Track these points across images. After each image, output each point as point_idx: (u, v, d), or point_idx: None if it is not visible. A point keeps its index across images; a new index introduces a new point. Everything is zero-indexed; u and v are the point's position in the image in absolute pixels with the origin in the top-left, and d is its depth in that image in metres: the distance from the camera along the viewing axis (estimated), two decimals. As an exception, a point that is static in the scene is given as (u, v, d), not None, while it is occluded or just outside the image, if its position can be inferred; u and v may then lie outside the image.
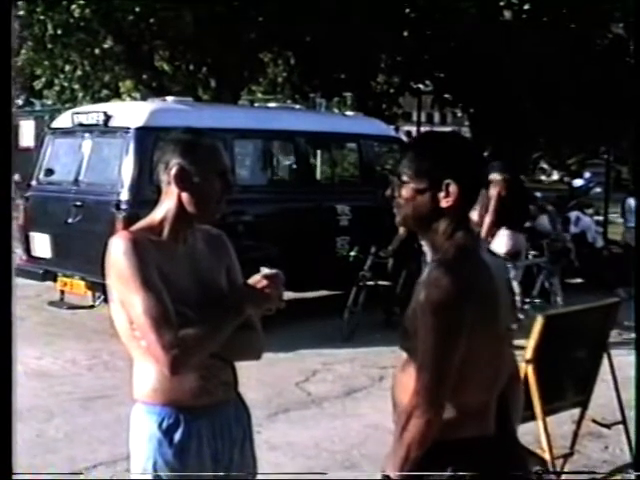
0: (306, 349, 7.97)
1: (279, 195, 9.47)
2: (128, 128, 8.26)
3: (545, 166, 39.51)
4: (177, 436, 2.49)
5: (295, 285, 7.78)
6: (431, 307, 2.15)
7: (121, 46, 18.09)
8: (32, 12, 16.82)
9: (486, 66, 17.61)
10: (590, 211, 12.55)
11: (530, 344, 4.35)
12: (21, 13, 16.57)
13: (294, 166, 10.24)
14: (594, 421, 5.10)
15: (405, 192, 2.29)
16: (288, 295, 2.68)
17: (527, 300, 8.92)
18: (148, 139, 7.80)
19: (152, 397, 2.50)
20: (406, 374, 2.25)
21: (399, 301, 8.25)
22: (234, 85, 19.78)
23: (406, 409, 2.20)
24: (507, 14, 17.74)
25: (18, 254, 8.89)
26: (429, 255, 2.32)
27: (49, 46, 17.73)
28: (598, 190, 14.83)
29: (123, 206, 7.88)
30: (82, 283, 8.16)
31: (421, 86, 22.36)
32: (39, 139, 11.33)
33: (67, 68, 19.14)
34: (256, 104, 20.34)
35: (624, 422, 4.89)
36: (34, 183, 9.24)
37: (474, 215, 6.68)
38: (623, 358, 5.12)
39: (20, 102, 24.87)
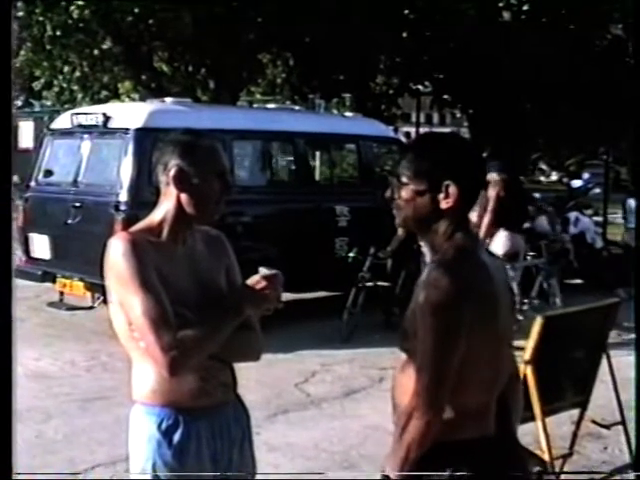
0: (305, 350, 7.96)
1: (278, 196, 9.44)
2: (127, 129, 8.25)
3: (544, 167, 39.53)
4: (176, 437, 2.49)
5: (294, 286, 7.78)
6: (430, 308, 2.15)
7: (120, 47, 18.11)
8: (31, 13, 16.85)
9: (485, 67, 17.63)
10: (589, 212, 12.53)
11: (529, 345, 4.35)
12: (20, 14, 16.58)
13: (293, 167, 10.23)
14: (593, 422, 5.10)
15: (404, 193, 2.29)
16: (287, 296, 2.68)
17: (526, 301, 8.90)
18: (147, 140, 7.78)
19: (151, 398, 2.50)
20: (406, 375, 2.25)
21: (398, 302, 8.24)
22: (233, 86, 19.81)
23: (406, 410, 2.20)
24: (506, 15, 17.77)
25: (17, 255, 8.88)
26: (428, 256, 2.32)
27: (48, 47, 17.76)
28: (597, 191, 14.85)
29: (122, 207, 7.87)
30: (81, 284, 8.15)
31: (420, 87, 22.41)
32: (38, 140, 11.31)
33: (66, 69, 19.16)
34: (255, 105, 20.31)
35: (623, 423, 4.90)
36: (33, 184, 9.22)
37: (473, 216, 6.67)
38: (622, 359, 5.13)
39: (19, 103, 24.91)
